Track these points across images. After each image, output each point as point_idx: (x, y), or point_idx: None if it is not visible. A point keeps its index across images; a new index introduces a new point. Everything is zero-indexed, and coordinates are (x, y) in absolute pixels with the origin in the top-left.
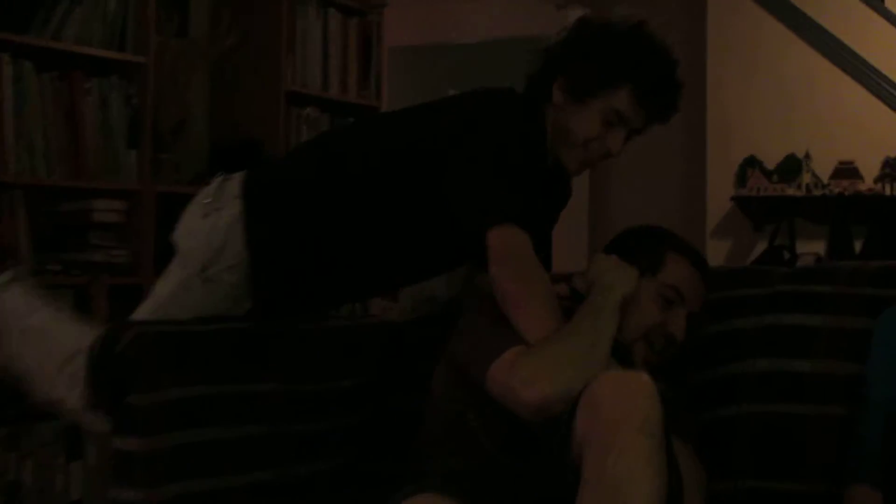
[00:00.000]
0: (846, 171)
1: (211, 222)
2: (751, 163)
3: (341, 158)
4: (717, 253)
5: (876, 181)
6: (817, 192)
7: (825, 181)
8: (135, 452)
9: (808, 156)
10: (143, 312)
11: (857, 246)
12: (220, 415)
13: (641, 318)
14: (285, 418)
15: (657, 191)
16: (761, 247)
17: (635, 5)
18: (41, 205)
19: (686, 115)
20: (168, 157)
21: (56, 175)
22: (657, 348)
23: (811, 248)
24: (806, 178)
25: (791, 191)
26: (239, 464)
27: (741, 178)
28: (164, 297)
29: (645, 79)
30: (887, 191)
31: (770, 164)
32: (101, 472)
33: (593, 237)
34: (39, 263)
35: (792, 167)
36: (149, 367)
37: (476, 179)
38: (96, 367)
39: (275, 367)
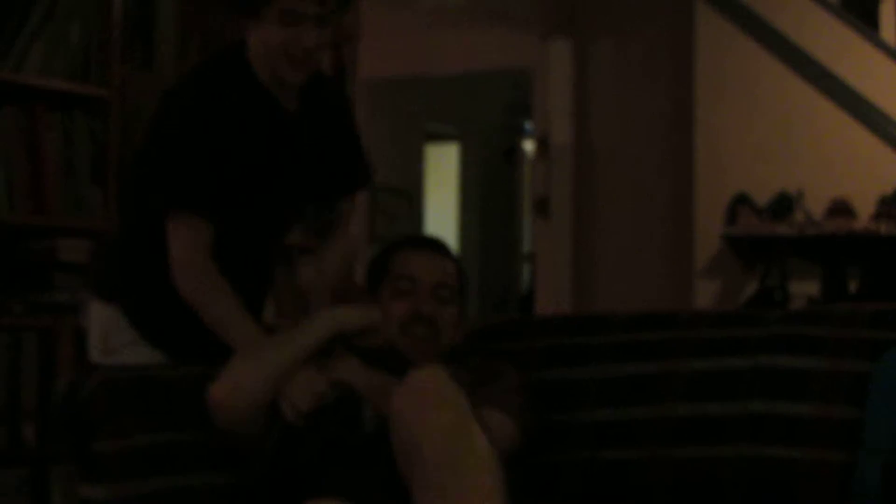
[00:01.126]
0: (840, 209)
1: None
2: (741, 200)
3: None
4: (705, 294)
5: (871, 220)
6: (810, 232)
7: (818, 219)
8: (102, 500)
9: (800, 193)
10: None
11: (852, 286)
12: (187, 462)
13: (388, 319)
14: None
15: (643, 228)
16: (752, 287)
17: (620, 38)
18: (3, 244)
19: (674, 152)
20: None
21: (18, 213)
22: (420, 333)
23: (804, 289)
24: (798, 217)
25: (783, 229)
26: None
27: (731, 216)
28: None
29: None
30: (882, 230)
31: (761, 202)
32: None
33: (577, 274)
34: (2, 304)
35: (784, 205)
36: (114, 414)
37: (155, 164)
38: (61, 414)
39: None
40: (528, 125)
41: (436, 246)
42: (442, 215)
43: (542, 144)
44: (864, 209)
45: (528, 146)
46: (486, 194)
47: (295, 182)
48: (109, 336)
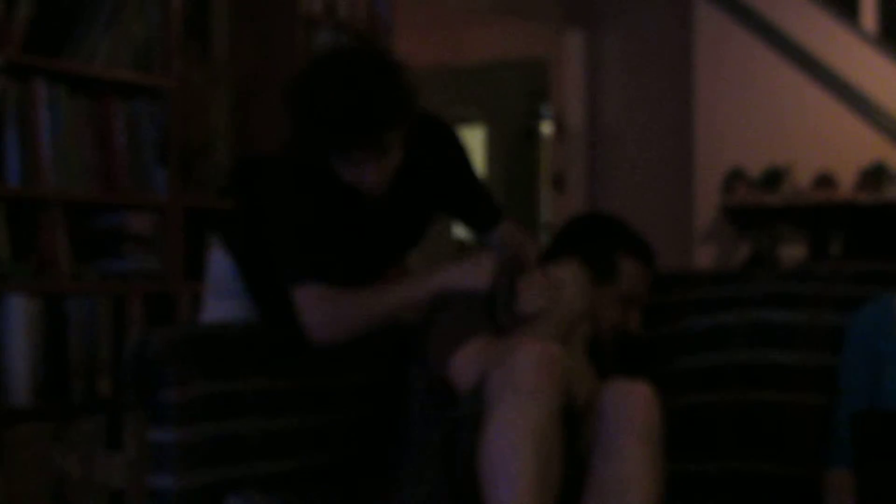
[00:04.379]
0: (825, 181)
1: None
2: (736, 174)
3: None
4: (704, 257)
5: (852, 190)
6: (798, 201)
7: (805, 190)
8: (169, 443)
9: (789, 167)
10: None
11: (835, 249)
12: (244, 408)
13: (607, 323)
14: (304, 411)
15: (648, 200)
16: (745, 251)
17: (629, 29)
18: (78, 219)
19: (676, 132)
20: (194, 174)
21: (91, 190)
22: (618, 338)
23: (792, 252)
24: (787, 188)
25: (773, 200)
26: (265, 452)
27: (727, 188)
28: None
29: (335, 137)
30: (862, 199)
31: (754, 174)
32: (140, 463)
33: None
34: (78, 273)
35: (774, 177)
36: (177, 367)
37: (273, 244)
38: (133, 368)
39: (292, 364)
40: (546, 109)
41: (653, 260)
42: None
43: (559, 126)
44: (846, 181)
45: (546, 128)
46: (509, 171)
47: (395, 237)
48: (224, 281)
